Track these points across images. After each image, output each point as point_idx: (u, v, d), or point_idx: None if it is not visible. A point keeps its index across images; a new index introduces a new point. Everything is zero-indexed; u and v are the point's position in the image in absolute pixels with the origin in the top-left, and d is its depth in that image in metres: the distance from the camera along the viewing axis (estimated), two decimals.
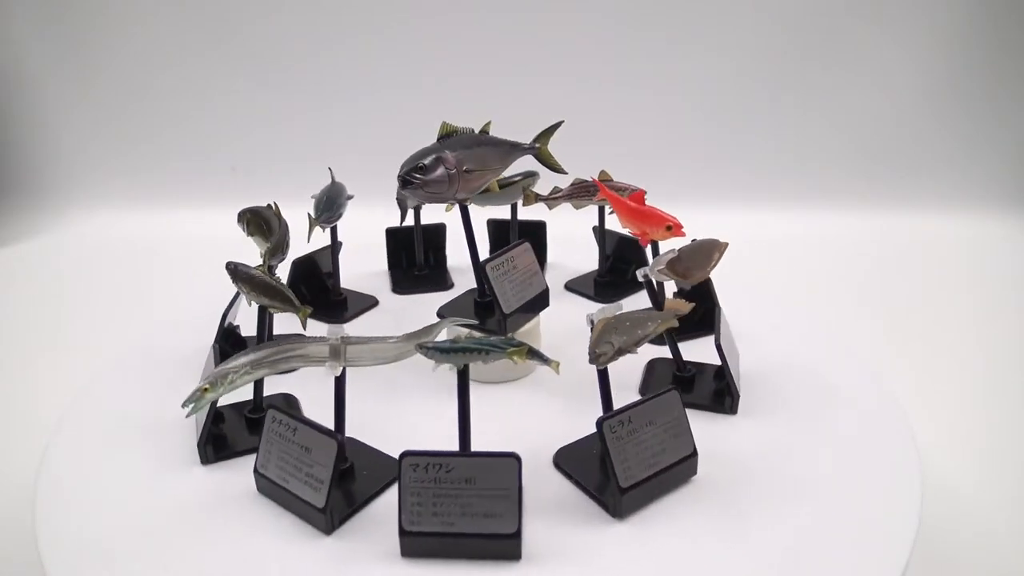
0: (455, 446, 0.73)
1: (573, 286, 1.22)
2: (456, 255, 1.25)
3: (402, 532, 0.69)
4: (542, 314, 1.02)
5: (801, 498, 0.79)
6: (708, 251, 0.90)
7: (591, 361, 0.74)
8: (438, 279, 1.24)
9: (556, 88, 2.17)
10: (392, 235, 1.25)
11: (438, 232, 1.26)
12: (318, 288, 1.16)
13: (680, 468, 0.78)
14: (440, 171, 0.88)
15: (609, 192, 1.03)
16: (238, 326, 1.03)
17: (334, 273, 1.16)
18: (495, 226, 1.28)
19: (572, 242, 1.29)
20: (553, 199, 1.13)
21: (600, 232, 1.20)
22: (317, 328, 1.11)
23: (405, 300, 1.20)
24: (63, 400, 0.97)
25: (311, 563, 0.71)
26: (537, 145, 1.02)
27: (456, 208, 1.19)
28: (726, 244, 0.91)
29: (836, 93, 2.23)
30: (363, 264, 1.27)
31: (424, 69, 2.21)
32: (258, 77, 2.24)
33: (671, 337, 0.94)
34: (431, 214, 1.22)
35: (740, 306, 1.07)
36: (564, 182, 1.12)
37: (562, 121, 1.02)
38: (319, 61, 2.22)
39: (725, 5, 2.17)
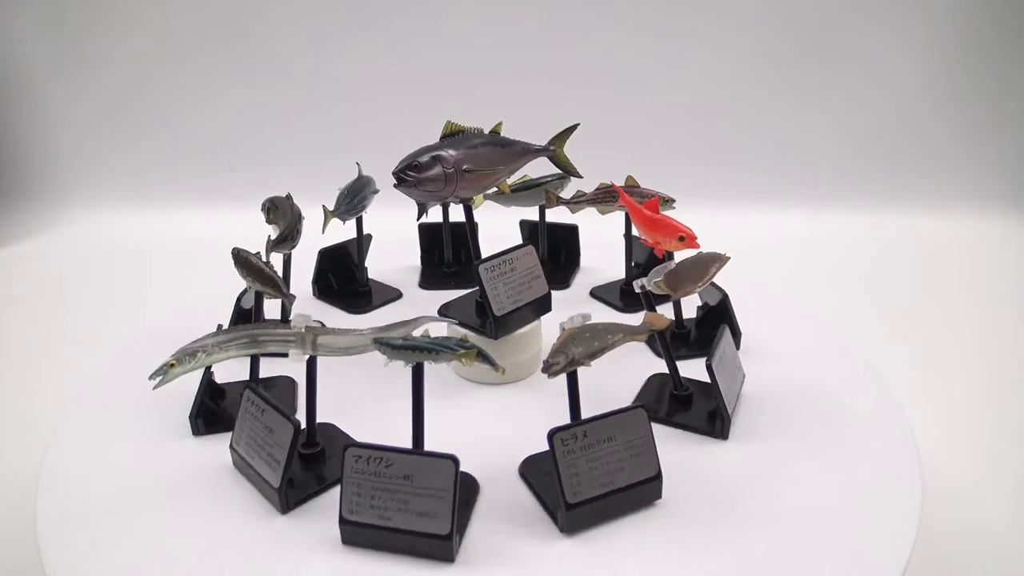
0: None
1: (598, 293, 1.20)
2: (487, 253, 1.25)
3: (341, 520, 0.71)
4: (555, 318, 1.00)
5: (800, 498, 0.77)
6: (705, 265, 0.85)
7: (543, 370, 0.72)
8: (466, 276, 1.24)
9: (555, 89, 2.16)
10: (425, 231, 1.27)
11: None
12: (345, 278, 1.20)
13: (640, 489, 0.75)
14: (436, 170, 0.88)
15: (628, 199, 1.00)
16: None
17: (360, 264, 1.19)
18: (529, 228, 1.27)
19: (610, 247, 1.26)
20: (575, 203, 1.11)
21: (627, 240, 1.17)
22: (340, 316, 1.16)
23: (429, 295, 1.21)
24: (63, 399, 0.97)
25: (255, 540, 0.73)
26: (552, 148, 1.00)
27: (485, 205, 1.20)
28: (727, 258, 0.86)
29: (836, 93, 2.18)
30: (398, 258, 1.30)
31: (441, 69, 2.21)
32: (258, 77, 2.24)
33: (668, 352, 0.90)
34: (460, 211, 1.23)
35: (740, 306, 1.05)
36: (590, 186, 1.10)
37: (578, 124, 1.00)
38: (321, 60, 2.22)
39: (726, 5, 2.13)
